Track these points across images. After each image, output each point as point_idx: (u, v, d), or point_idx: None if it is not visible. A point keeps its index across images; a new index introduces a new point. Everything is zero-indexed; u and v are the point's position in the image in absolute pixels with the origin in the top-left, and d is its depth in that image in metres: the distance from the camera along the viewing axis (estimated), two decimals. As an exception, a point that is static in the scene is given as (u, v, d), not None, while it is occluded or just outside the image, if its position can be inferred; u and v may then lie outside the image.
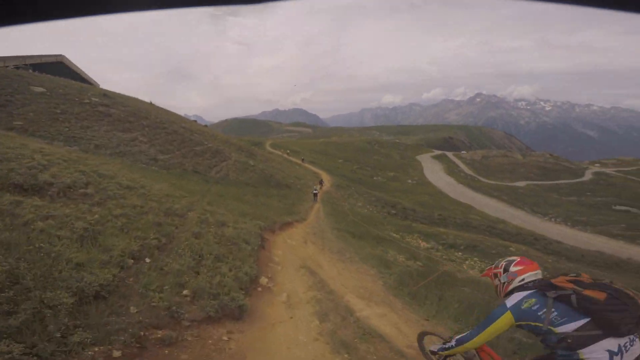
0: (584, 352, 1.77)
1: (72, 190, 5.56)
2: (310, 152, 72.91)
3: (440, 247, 16.86)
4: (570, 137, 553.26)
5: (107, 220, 4.74)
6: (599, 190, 56.26)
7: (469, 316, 4.49)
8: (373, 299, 4.96)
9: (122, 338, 2.83)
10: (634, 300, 1.76)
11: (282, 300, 4.67)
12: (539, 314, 1.91)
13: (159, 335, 3.04)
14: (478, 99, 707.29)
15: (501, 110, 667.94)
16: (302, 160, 49.96)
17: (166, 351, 2.89)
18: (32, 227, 3.83)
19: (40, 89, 22.15)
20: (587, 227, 39.14)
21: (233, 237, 6.15)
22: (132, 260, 4.05)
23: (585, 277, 1.96)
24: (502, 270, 2.28)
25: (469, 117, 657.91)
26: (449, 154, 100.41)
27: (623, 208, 45.96)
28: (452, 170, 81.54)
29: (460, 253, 16.36)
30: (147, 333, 3.03)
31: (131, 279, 3.70)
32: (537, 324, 1.91)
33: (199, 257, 4.79)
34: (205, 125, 36.33)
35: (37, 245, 3.35)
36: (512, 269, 2.22)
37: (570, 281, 1.93)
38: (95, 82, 43.23)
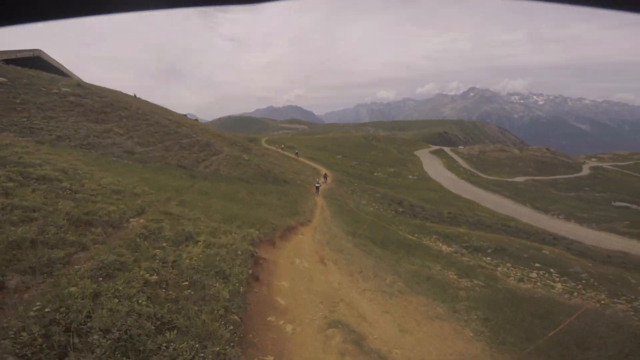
0: None
1: None
2: (308, 148, 70.46)
3: (464, 251, 14.53)
4: (563, 131, 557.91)
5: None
6: (597, 186, 55.70)
7: None
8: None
9: None
10: None
11: None
12: None
13: None
14: (472, 94, 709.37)
15: (495, 104, 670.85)
16: (296, 154, 47.94)
17: None
18: None
19: (1, 79, 19.42)
20: (592, 224, 37.61)
21: (199, 266, 3.62)
22: None
23: None
24: None
25: (463, 111, 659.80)
26: (446, 149, 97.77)
27: (623, 204, 45.25)
28: (451, 165, 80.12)
29: (488, 258, 14.04)
30: None
31: None
32: None
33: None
34: (196, 120, 33.53)
35: None
36: None
37: None
38: (78, 77, 40.14)
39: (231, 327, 2.64)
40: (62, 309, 2.06)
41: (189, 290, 2.96)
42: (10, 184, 3.80)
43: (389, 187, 45.35)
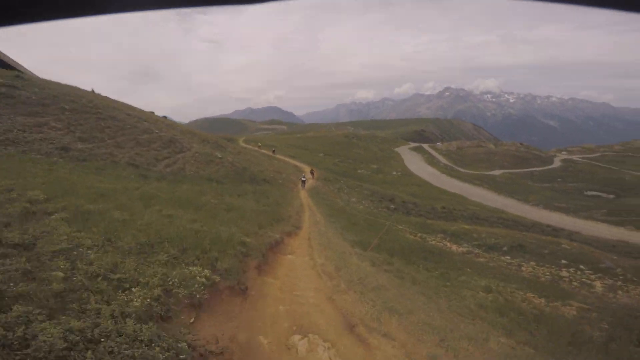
0: None
1: None
2: (289, 146, 68.18)
3: (478, 251, 12.55)
4: (533, 127, 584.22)
5: None
6: (568, 177, 57.78)
7: None
8: None
9: None
10: None
11: None
12: None
13: None
14: (447, 93, 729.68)
15: (469, 103, 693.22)
16: (273, 151, 45.58)
17: None
18: None
19: None
20: (571, 213, 37.90)
21: None
22: None
23: None
24: None
25: (439, 110, 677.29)
26: (425, 146, 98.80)
27: (594, 193, 46.68)
28: (431, 161, 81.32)
29: (507, 257, 12.10)
30: None
31: None
32: None
33: None
34: (165, 117, 30.03)
35: None
36: None
37: None
38: (30, 71, 35.34)
39: None
40: None
41: None
42: None
43: (374, 183, 43.71)
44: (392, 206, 24.31)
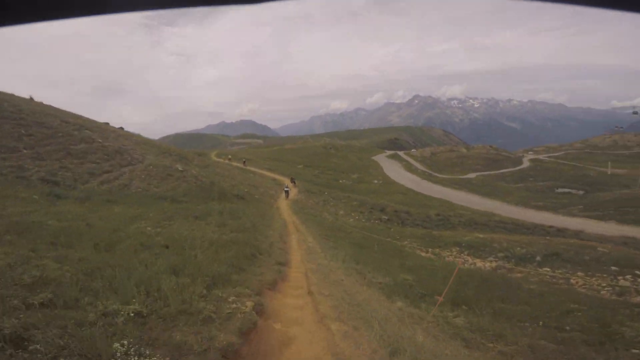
0: None
1: None
2: (265, 160, 65.18)
3: (509, 264, 10.09)
4: (497, 130, 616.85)
5: None
6: (538, 176, 59.09)
7: None
8: None
9: None
10: None
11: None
12: None
13: None
14: (416, 101, 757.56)
15: (437, 109, 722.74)
16: (244, 162, 43.52)
17: None
18: None
19: None
20: (551, 210, 37.94)
21: None
22: None
23: None
24: None
25: (409, 118, 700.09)
26: (401, 153, 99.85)
27: (565, 190, 47.68)
28: (409, 167, 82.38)
29: (546, 268, 9.72)
30: None
31: None
32: None
33: None
34: (121, 128, 25.93)
35: None
36: None
37: None
38: None
39: None
40: None
41: None
42: None
43: (358, 193, 41.70)
44: (385, 217, 21.74)
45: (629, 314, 5.64)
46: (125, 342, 1.81)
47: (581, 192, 46.50)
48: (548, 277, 8.82)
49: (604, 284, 8.34)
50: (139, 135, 24.53)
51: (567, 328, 4.56)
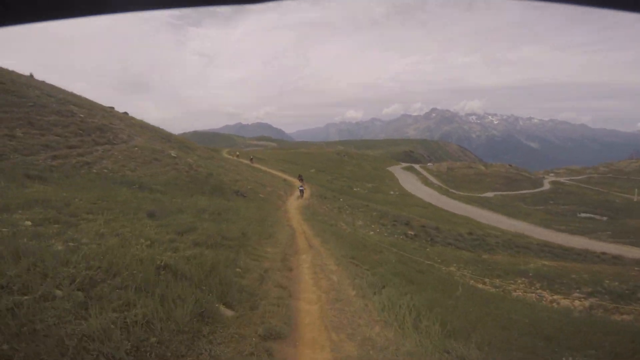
0: None
1: None
2: (279, 160, 63.27)
3: (608, 304, 6.84)
4: (515, 149, 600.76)
5: None
6: (560, 199, 57.42)
7: None
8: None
9: None
10: None
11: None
12: None
13: None
14: (434, 114, 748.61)
15: (454, 124, 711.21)
16: (251, 159, 41.41)
17: None
18: None
19: None
20: (582, 234, 35.32)
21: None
22: None
23: None
24: None
25: (425, 131, 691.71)
26: (416, 166, 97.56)
27: (588, 215, 46.25)
28: (427, 181, 79.92)
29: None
30: None
31: None
32: None
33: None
34: (125, 113, 23.50)
35: None
36: None
37: None
38: None
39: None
40: None
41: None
42: None
43: (374, 203, 38.83)
44: (411, 232, 18.37)
45: None
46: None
47: (605, 219, 44.13)
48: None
49: None
50: (140, 120, 22.18)
51: None
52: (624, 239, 31.20)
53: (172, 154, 13.58)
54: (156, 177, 10.17)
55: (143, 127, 19.21)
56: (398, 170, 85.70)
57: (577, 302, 7.30)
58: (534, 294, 7.84)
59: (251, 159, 41.39)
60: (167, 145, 16.07)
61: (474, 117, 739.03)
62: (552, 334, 4.37)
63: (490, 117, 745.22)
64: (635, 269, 12.44)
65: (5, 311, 1.78)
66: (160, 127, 21.96)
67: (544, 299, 7.61)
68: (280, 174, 35.37)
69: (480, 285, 8.25)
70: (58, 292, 2.10)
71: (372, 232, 16.27)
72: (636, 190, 60.29)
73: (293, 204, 16.89)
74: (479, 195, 62.17)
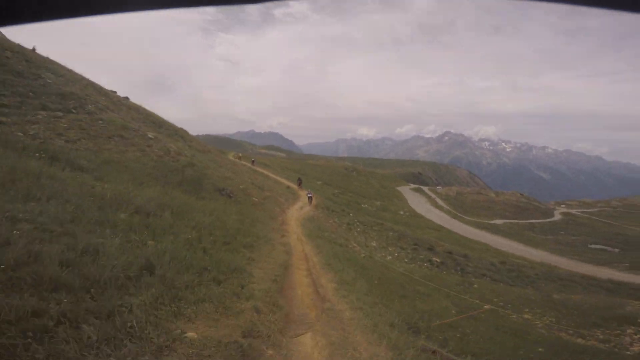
0: None
1: None
2: (285, 169, 61.17)
3: None
4: (525, 179, 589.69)
5: None
6: (571, 230, 57.24)
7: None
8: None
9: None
10: None
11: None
12: None
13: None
14: (446, 137, 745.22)
15: (466, 149, 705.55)
16: (253, 162, 42.21)
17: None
18: None
19: None
20: (605, 266, 33.18)
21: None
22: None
23: None
24: None
25: (436, 154, 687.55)
26: (425, 188, 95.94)
27: (599, 247, 45.40)
28: (436, 204, 77.91)
29: None
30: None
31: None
32: None
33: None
34: (126, 97, 20.92)
35: None
36: None
37: None
38: None
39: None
40: None
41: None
42: None
43: (387, 222, 35.83)
44: (436, 259, 15.06)
45: None
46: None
47: (617, 250, 42.49)
48: None
49: None
50: (136, 104, 19.63)
51: None
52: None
53: (150, 136, 10.87)
54: (103, 155, 7.40)
55: (132, 109, 16.66)
56: (406, 191, 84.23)
57: None
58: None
59: (252, 161, 41.75)
60: (151, 129, 13.41)
61: (487, 143, 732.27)
62: None
63: (503, 144, 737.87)
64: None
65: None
66: (159, 115, 19.50)
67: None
68: (284, 180, 32.54)
69: (579, 340, 5.17)
70: None
71: (389, 257, 13.07)
72: (650, 223, 59.32)
73: (294, 214, 13.84)
74: (488, 221, 61.48)
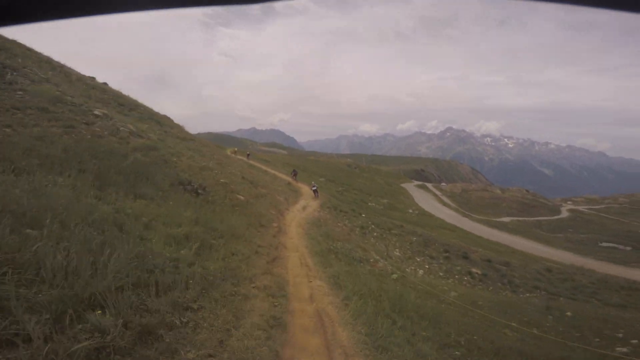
0: None
1: None
2: (285, 164, 58.23)
3: None
4: (527, 175, 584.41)
5: None
6: (579, 228, 56.44)
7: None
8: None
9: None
10: None
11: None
12: None
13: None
14: (448, 133, 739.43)
15: (468, 145, 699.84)
16: (248, 155, 41.18)
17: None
18: None
19: None
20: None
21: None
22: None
23: None
24: None
25: (438, 151, 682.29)
26: (429, 185, 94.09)
27: (610, 245, 44.26)
28: (443, 201, 74.14)
29: None
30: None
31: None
32: None
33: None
34: (105, 83, 17.72)
35: None
36: None
37: None
38: None
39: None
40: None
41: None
42: None
43: (400, 221, 32.78)
44: (476, 270, 11.96)
45: None
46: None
47: (628, 248, 41.58)
48: None
49: None
50: (103, 84, 16.52)
51: None
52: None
53: (96, 112, 7.84)
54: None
55: (96, 88, 13.54)
56: (411, 188, 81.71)
57: None
58: None
59: (247, 155, 40.69)
60: (111, 108, 10.32)
61: (489, 139, 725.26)
62: None
63: (506, 139, 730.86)
64: None
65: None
66: (134, 98, 16.44)
67: None
68: (283, 176, 29.36)
69: None
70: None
71: (421, 272, 9.97)
72: (660, 219, 57.61)
73: (296, 216, 10.67)
74: (496, 219, 59.68)
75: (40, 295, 2.16)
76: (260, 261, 5.01)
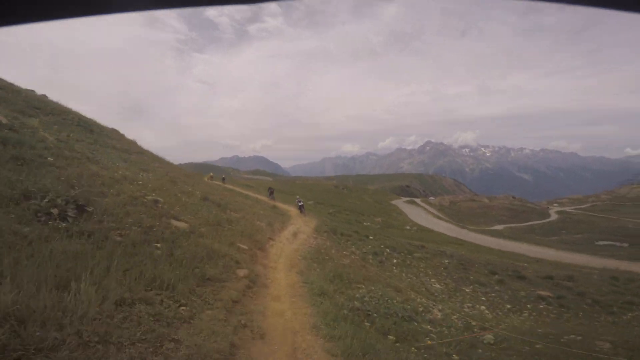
0: None
1: None
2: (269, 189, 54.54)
3: None
4: (508, 181, 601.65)
5: None
6: (570, 228, 56.52)
7: None
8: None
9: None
10: None
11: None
12: None
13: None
14: (428, 147, 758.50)
15: (448, 157, 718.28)
16: (223, 179, 40.27)
17: None
18: None
19: None
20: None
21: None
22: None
23: None
24: None
25: (420, 165, 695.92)
26: (418, 200, 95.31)
27: (606, 243, 45.08)
28: (436, 215, 71.59)
29: None
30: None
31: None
32: None
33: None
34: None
35: None
36: None
37: None
38: None
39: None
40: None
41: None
42: None
43: (406, 239, 29.41)
44: (545, 293, 8.58)
45: None
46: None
47: (625, 245, 41.93)
48: None
49: None
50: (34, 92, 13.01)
51: None
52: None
53: (4, 122, 4.52)
54: None
55: (3, 88, 9.96)
56: (401, 204, 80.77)
57: None
58: None
59: (223, 179, 39.81)
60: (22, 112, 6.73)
61: (467, 149, 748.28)
62: None
63: (483, 149, 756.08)
64: None
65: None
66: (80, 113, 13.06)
67: None
68: (269, 200, 25.57)
69: None
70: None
71: (485, 309, 6.47)
72: (651, 214, 57.76)
73: (286, 249, 7.05)
74: (489, 228, 58.97)
75: None
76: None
